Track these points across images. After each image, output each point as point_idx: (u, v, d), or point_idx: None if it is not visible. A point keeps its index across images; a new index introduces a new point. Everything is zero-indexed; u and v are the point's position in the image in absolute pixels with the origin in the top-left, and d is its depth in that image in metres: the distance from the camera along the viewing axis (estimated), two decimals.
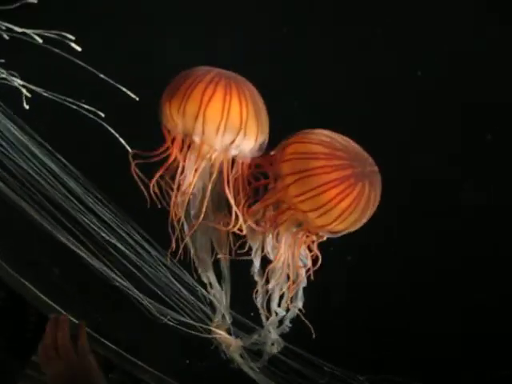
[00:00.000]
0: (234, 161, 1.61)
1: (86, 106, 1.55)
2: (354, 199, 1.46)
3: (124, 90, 1.56)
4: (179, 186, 1.59)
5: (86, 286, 1.79)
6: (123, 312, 1.73)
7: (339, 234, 1.54)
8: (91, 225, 1.66)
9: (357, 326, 2.00)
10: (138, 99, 1.56)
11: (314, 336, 1.63)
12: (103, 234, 1.66)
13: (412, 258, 1.98)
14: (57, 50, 1.52)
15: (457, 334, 2.03)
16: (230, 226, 1.57)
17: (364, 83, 2.03)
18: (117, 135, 1.55)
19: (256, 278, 1.65)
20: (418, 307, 2.03)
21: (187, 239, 1.60)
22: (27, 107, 1.49)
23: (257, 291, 1.65)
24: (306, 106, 2.03)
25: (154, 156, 1.57)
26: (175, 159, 1.58)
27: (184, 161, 1.57)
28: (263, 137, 1.61)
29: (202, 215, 1.59)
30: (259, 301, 1.64)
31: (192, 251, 1.64)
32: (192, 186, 1.59)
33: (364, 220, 1.52)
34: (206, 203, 1.59)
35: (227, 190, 1.58)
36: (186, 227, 1.62)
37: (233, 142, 1.54)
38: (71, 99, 1.57)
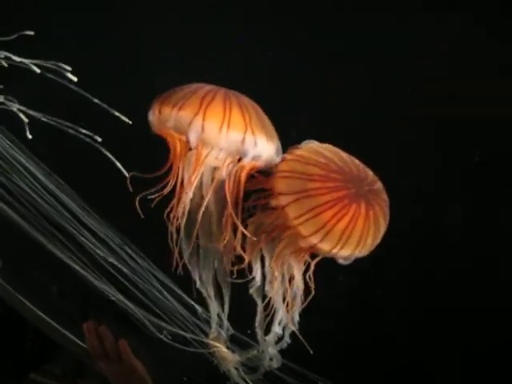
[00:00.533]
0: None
1: (83, 131, 1.57)
2: (351, 220, 1.49)
3: (117, 114, 1.57)
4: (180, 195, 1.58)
5: (84, 303, 1.82)
6: (121, 327, 1.77)
7: (352, 258, 1.56)
8: (89, 243, 1.68)
9: (355, 341, 2.02)
10: (131, 123, 1.57)
11: (311, 352, 1.68)
12: (99, 251, 1.68)
13: (406, 278, 1.99)
14: (53, 77, 1.54)
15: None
16: (228, 242, 1.60)
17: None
18: (113, 159, 1.57)
19: (254, 296, 1.67)
20: (415, 329, 2.05)
21: (186, 256, 1.62)
22: (30, 136, 1.51)
23: (255, 308, 1.68)
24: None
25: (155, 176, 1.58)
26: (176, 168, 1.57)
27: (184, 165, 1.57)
28: (275, 142, 1.59)
29: (204, 232, 1.62)
30: (258, 319, 1.67)
31: (191, 267, 1.65)
32: (192, 190, 1.58)
33: (373, 239, 1.54)
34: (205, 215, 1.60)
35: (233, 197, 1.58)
36: (185, 242, 1.63)
37: (243, 140, 1.52)
38: (69, 123, 1.58)
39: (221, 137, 1.50)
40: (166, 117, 1.53)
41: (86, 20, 2.08)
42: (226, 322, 1.68)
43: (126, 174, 1.58)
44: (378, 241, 1.56)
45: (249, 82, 2.06)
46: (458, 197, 2.01)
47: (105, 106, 1.56)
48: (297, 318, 1.67)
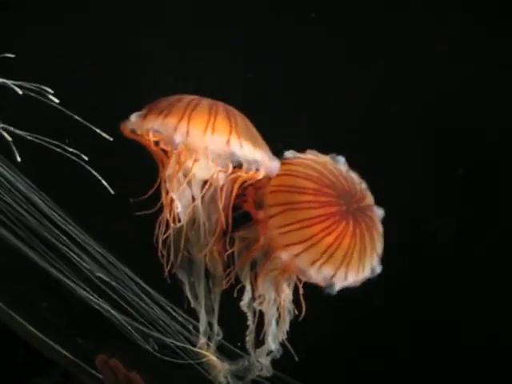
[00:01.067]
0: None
1: (69, 149, 1.56)
2: (338, 236, 1.48)
3: (98, 131, 1.56)
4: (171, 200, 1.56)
5: (74, 318, 1.81)
6: (111, 341, 1.76)
7: (339, 282, 1.52)
8: (77, 258, 1.67)
9: (344, 354, 2.03)
10: (111, 139, 1.56)
11: (296, 359, 1.68)
12: (85, 264, 1.67)
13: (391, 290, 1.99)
14: (34, 95, 1.54)
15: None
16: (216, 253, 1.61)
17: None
18: (99, 177, 1.56)
19: (245, 310, 1.67)
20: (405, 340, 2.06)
21: (176, 266, 1.62)
22: (19, 159, 1.51)
23: (245, 320, 1.67)
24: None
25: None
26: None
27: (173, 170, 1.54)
28: (263, 148, 1.56)
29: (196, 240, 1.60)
30: (249, 332, 1.66)
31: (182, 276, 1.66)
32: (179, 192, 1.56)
33: (359, 257, 1.51)
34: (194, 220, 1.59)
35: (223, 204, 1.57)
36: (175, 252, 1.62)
37: (228, 142, 1.49)
38: (55, 140, 1.57)
39: (205, 140, 1.48)
40: (151, 123, 1.51)
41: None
42: (215, 330, 1.67)
43: (112, 192, 1.57)
44: (363, 260, 1.53)
45: (247, 83, 2.08)
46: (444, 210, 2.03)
47: (86, 123, 1.56)
48: (287, 329, 1.67)
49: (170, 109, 1.51)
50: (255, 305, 1.63)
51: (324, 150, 2.06)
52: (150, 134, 1.50)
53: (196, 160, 1.51)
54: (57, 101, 1.52)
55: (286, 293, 1.62)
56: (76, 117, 1.55)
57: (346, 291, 1.52)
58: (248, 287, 1.63)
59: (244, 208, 1.60)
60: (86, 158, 1.56)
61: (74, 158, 1.56)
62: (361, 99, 2.11)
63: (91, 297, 1.67)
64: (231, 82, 2.03)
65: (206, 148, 1.48)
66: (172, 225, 1.57)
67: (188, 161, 1.53)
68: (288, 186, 1.54)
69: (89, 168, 1.55)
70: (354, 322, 2.02)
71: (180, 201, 1.56)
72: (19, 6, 2.05)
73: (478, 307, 2.04)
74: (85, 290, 1.67)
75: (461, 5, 2.06)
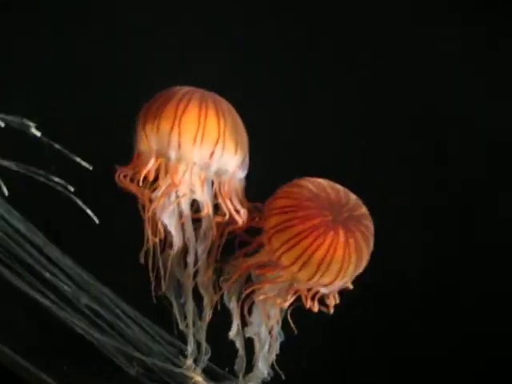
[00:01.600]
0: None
1: (56, 179, 1.57)
2: (329, 248, 1.44)
3: (77, 159, 1.58)
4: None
5: (60, 345, 1.81)
6: (97, 368, 1.75)
7: (335, 287, 1.51)
8: (63, 285, 1.66)
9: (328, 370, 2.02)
10: (91, 168, 1.57)
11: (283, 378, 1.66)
12: (66, 287, 1.66)
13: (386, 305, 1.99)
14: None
15: None
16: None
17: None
18: (84, 207, 1.57)
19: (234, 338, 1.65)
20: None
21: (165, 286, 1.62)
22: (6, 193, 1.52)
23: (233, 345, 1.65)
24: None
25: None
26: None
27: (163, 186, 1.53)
28: (243, 152, 1.57)
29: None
30: (239, 360, 1.64)
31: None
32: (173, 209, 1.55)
33: (355, 267, 1.49)
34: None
35: (210, 211, 1.54)
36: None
37: (212, 154, 1.50)
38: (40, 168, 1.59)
39: (195, 150, 1.49)
40: (149, 143, 1.52)
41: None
42: (204, 350, 1.66)
43: (97, 221, 1.58)
44: (360, 269, 1.51)
45: (247, 83, 2.08)
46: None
47: (66, 152, 1.57)
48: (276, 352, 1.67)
49: (160, 116, 1.51)
50: (247, 333, 1.62)
51: (324, 149, 2.09)
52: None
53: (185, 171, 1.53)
54: (38, 134, 1.54)
55: (277, 318, 1.61)
56: (57, 145, 1.56)
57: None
58: (236, 316, 1.62)
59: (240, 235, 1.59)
60: (72, 189, 1.57)
61: (59, 188, 1.57)
62: (361, 99, 2.11)
63: (76, 322, 1.66)
64: (231, 82, 2.03)
65: (194, 157, 1.51)
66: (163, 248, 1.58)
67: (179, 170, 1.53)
68: (275, 208, 1.52)
69: (75, 199, 1.56)
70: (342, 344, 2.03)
71: (169, 221, 1.57)
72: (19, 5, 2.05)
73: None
74: (70, 316, 1.65)
75: (461, 5, 2.06)
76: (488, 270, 2.03)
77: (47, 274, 1.62)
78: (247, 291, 1.57)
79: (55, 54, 2.07)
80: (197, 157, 1.50)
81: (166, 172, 1.53)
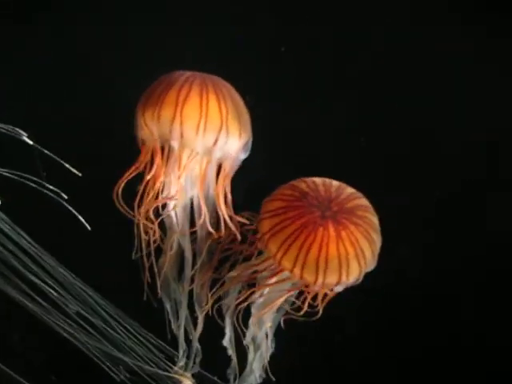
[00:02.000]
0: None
1: (50, 187, 1.56)
2: (321, 243, 1.45)
3: (68, 166, 1.57)
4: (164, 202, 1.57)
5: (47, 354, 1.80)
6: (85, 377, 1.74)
7: (347, 284, 1.51)
8: (54, 293, 1.65)
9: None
10: (80, 175, 1.57)
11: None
12: (55, 293, 1.66)
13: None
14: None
15: None
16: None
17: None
18: (76, 213, 1.57)
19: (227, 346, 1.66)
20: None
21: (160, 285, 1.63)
22: None
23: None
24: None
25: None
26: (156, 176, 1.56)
27: (165, 174, 1.55)
28: (247, 135, 1.58)
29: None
30: (232, 369, 1.66)
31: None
32: (176, 198, 1.56)
33: (357, 261, 1.47)
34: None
35: (218, 195, 1.57)
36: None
37: (216, 141, 1.51)
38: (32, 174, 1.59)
39: (198, 139, 1.50)
40: (150, 130, 1.53)
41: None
42: (195, 350, 1.65)
43: (89, 228, 1.59)
44: (367, 263, 1.50)
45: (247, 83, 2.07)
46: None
47: (56, 157, 1.57)
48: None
49: (160, 106, 1.52)
50: (246, 342, 1.63)
51: (323, 149, 2.08)
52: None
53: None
54: (31, 142, 1.55)
55: (269, 325, 1.61)
56: (48, 152, 1.56)
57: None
58: (228, 325, 1.63)
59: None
60: (66, 197, 1.57)
61: (52, 194, 1.57)
62: (361, 100, 2.10)
63: (64, 327, 1.65)
64: (231, 82, 2.03)
65: (198, 146, 1.52)
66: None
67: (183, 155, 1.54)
68: (269, 211, 1.53)
69: (68, 206, 1.56)
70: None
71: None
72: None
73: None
74: (60, 325, 1.64)
75: (461, 5, 2.06)
76: (489, 272, 2.03)
77: (37, 280, 1.61)
78: (245, 296, 1.58)
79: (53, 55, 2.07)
80: (200, 145, 1.51)
81: (169, 158, 1.55)
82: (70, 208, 1.57)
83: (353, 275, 1.49)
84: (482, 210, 2.05)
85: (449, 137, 2.08)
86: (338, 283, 1.49)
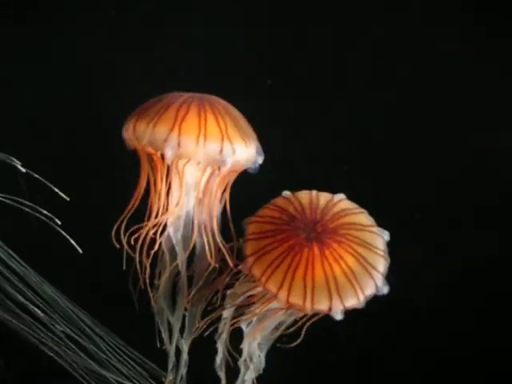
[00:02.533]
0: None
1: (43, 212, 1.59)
2: (307, 263, 1.47)
3: (56, 190, 1.59)
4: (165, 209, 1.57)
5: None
6: None
7: (341, 308, 1.48)
8: (44, 316, 1.66)
9: None
10: (68, 199, 1.59)
11: None
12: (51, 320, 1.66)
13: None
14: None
15: None
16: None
17: None
18: (67, 236, 1.58)
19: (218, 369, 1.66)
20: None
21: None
22: None
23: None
24: None
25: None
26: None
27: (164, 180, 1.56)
28: (253, 142, 1.59)
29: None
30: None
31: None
32: (180, 204, 1.57)
33: (348, 282, 1.47)
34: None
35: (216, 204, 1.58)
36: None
37: (221, 150, 1.51)
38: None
39: (198, 149, 1.50)
40: (140, 134, 1.52)
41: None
42: (183, 361, 1.66)
43: (80, 251, 1.60)
44: (361, 278, 1.49)
45: (247, 83, 2.08)
46: None
47: (44, 181, 1.59)
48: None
49: (158, 118, 1.52)
50: (239, 363, 1.63)
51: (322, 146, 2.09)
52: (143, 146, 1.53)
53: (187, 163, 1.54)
54: (23, 170, 1.56)
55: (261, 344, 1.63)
56: (35, 175, 1.58)
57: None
58: (220, 351, 1.63)
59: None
60: (59, 222, 1.59)
61: (45, 219, 1.58)
62: (361, 101, 2.11)
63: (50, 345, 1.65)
64: (230, 82, 2.04)
65: (199, 157, 1.51)
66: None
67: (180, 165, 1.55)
68: (256, 233, 1.55)
69: (60, 230, 1.57)
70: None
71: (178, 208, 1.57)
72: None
73: None
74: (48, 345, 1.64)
75: (461, 5, 2.06)
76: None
77: (28, 303, 1.61)
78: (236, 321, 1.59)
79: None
80: (202, 155, 1.50)
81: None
82: (64, 232, 1.58)
83: (346, 296, 1.48)
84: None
85: (449, 139, 2.09)
86: (330, 307, 1.48)
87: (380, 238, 1.54)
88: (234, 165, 1.54)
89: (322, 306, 1.47)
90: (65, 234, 1.56)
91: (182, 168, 1.54)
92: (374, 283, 1.50)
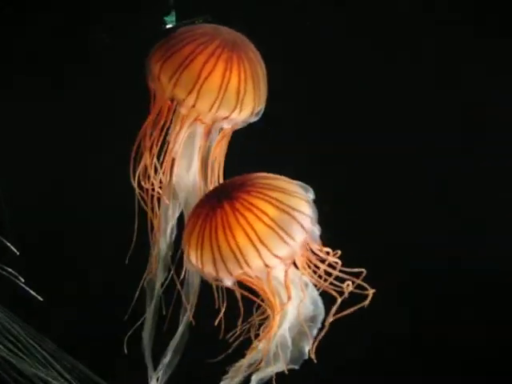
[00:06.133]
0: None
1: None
2: (223, 226, 1.38)
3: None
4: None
5: None
6: None
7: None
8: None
9: None
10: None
11: None
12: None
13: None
14: None
15: None
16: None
17: None
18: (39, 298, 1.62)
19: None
20: None
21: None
22: None
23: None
24: None
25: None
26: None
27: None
28: (259, 107, 1.59)
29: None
30: None
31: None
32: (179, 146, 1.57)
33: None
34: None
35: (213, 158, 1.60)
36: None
37: (227, 117, 1.53)
38: None
39: (209, 113, 1.51)
40: (163, 86, 1.52)
41: None
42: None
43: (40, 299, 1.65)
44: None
45: None
46: None
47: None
48: None
49: (180, 74, 1.50)
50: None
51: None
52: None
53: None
54: (17, 253, 1.62)
55: None
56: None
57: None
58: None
59: None
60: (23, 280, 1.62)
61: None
62: (362, 102, 2.11)
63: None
64: None
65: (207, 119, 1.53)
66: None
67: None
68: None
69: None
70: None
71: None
72: None
73: None
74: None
75: (461, 5, 2.06)
76: None
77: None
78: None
79: None
80: (210, 118, 1.52)
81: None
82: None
83: (273, 245, 1.39)
84: None
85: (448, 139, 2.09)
86: (265, 263, 1.39)
87: (298, 186, 1.47)
88: (235, 124, 1.56)
89: (255, 263, 1.39)
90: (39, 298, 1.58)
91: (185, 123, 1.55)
92: (300, 225, 1.40)
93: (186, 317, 1.61)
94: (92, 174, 2.06)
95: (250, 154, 1.76)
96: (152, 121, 1.57)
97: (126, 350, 1.63)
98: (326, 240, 1.44)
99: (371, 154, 2.07)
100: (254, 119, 1.60)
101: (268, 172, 1.47)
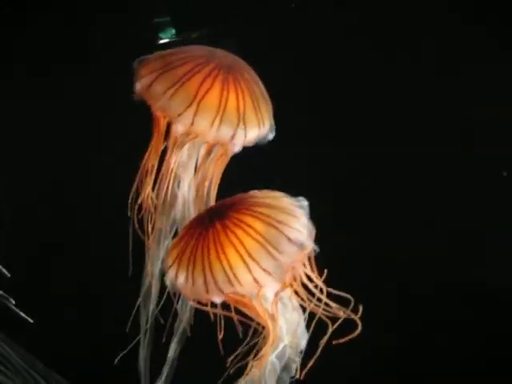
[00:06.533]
0: None
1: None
2: (215, 245, 1.39)
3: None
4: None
5: None
6: None
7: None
8: None
9: None
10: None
11: None
12: None
13: None
14: None
15: None
16: None
17: None
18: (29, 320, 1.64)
19: None
20: None
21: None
22: None
23: None
24: None
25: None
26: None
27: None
28: (267, 122, 1.55)
29: None
30: None
31: None
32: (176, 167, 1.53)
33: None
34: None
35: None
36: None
37: (233, 136, 1.48)
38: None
39: (210, 131, 1.46)
40: (155, 95, 1.47)
41: None
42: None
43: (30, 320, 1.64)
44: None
45: None
46: None
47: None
48: None
49: (177, 88, 1.47)
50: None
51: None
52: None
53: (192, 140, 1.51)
54: (8, 275, 1.61)
55: None
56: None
57: None
58: None
59: None
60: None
61: None
62: (362, 103, 2.10)
63: None
64: None
65: (209, 137, 1.48)
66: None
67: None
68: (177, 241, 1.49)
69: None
70: None
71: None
72: None
73: None
74: None
75: (461, 5, 2.06)
76: None
77: None
78: None
79: None
80: (212, 137, 1.48)
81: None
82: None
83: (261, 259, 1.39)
84: None
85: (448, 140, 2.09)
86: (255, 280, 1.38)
87: (290, 202, 1.47)
88: (243, 146, 1.52)
89: (244, 279, 1.38)
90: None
91: (185, 141, 1.50)
92: (287, 239, 1.40)
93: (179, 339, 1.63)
94: (92, 174, 2.05)
95: (250, 153, 1.75)
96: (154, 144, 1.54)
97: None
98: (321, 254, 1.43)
99: (371, 154, 2.07)
100: (269, 136, 1.57)
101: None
